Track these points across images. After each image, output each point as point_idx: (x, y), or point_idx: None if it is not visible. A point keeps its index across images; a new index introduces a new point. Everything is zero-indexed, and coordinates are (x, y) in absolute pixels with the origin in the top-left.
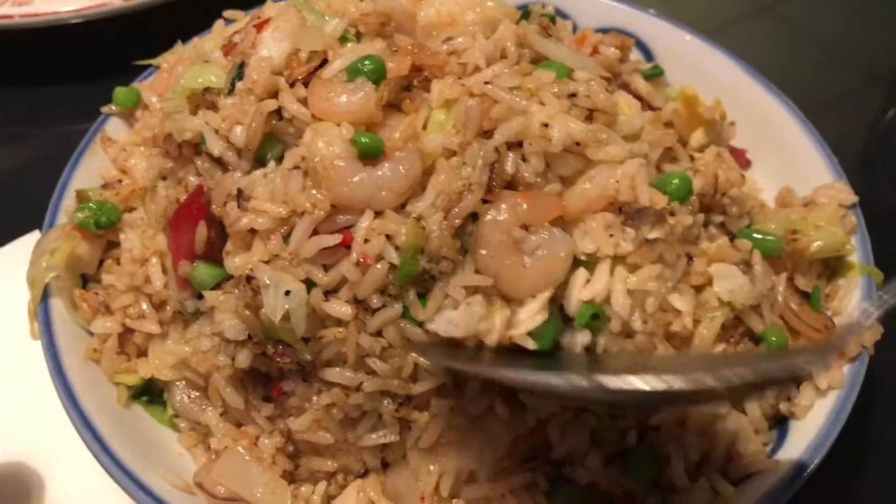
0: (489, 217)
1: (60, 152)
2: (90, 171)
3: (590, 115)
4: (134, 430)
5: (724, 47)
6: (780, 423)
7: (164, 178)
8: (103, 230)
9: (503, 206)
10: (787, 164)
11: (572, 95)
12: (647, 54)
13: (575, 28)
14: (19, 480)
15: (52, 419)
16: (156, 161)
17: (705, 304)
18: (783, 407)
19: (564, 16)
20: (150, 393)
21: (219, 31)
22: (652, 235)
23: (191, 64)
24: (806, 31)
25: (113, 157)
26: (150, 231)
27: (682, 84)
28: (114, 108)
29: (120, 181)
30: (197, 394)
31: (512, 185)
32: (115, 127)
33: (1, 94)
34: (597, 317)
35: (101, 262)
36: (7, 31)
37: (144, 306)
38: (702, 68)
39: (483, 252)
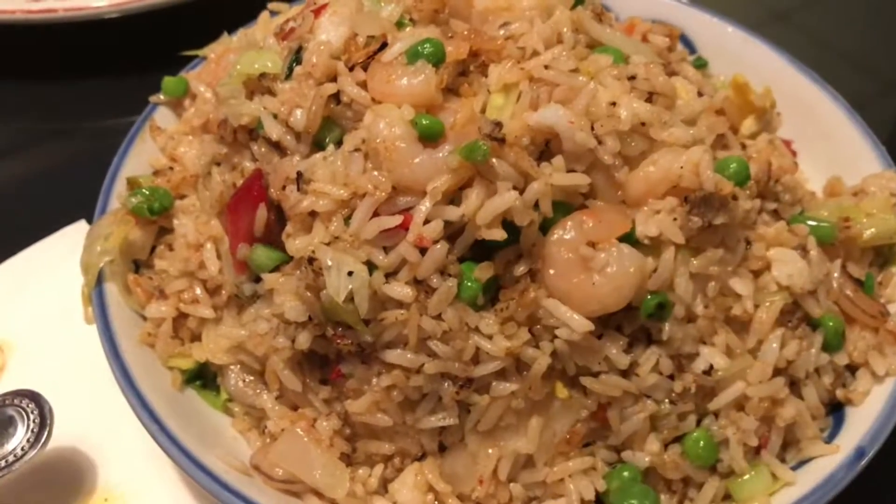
0: (556, 236)
1: (104, 146)
2: (140, 159)
3: (650, 98)
4: (189, 414)
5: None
6: (836, 410)
7: (217, 164)
8: (157, 215)
9: (569, 223)
10: (834, 154)
11: (632, 78)
12: (690, 46)
13: (617, 19)
14: (73, 465)
15: (106, 405)
16: (209, 147)
17: (764, 289)
18: (839, 393)
19: (607, 9)
20: (204, 378)
21: (265, 22)
22: (717, 221)
23: (246, 50)
24: (822, 39)
25: (161, 145)
26: (203, 217)
27: (726, 76)
28: (162, 97)
29: (171, 168)
30: (252, 378)
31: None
32: (162, 116)
33: (45, 89)
34: (663, 306)
35: (153, 249)
36: (53, 24)
37: (198, 291)
38: (744, 60)
39: (552, 272)
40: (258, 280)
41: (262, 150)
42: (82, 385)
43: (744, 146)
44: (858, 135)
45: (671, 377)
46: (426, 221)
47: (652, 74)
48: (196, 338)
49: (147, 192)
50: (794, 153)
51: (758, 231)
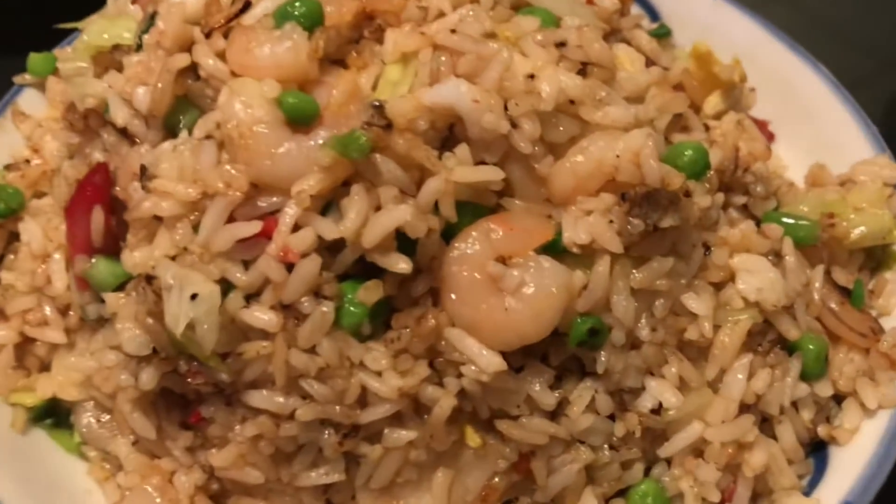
0: (456, 252)
1: None
2: None
3: (583, 70)
4: (31, 464)
5: None
6: (817, 450)
7: (71, 157)
8: (1, 220)
9: (473, 234)
10: (818, 136)
11: (561, 45)
12: (652, 13)
13: None
14: None
15: None
16: (61, 135)
17: (727, 305)
18: (822, 430)
19: None
20: (57, 414)
21: None
22: (664, 224)
23: (98, 17)
24: (817, 16)
25: (27, 133)
26: (55, 220)
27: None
28: (28, 77)
29: (28, 161)
30: (107, 417)
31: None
32: (30, 99)
33: None
34: (596, 332)
35: (2, 257)
36: None
37: (48, 310)
38: (715, 28)
39: (453, 296)
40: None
41: (112, 139)
42: None
43: (707, 128)
44: (846, 114)
45: (611, 417)
46: (294, 229)
47: (586, 41)
48: (45, 367)
49: None
50: (770, 136)
51: (720, 233)
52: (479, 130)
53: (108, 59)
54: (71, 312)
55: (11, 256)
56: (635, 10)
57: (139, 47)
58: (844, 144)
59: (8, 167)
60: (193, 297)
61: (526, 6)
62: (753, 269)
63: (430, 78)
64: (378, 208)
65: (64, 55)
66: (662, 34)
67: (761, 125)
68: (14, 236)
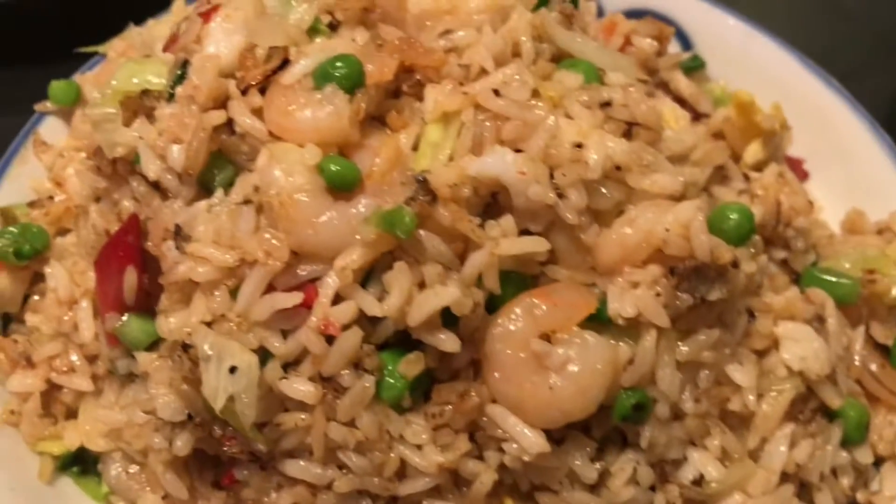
0: (499, 329)
1: None
2: (20, 181)
3: (628, 131)
4: None
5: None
6: None
7: (97, 200)
8: (27, 260)
9: (516, 310)
10: (854, 177)
11: (606, 105)
12: (685, 41)
13: (601, 12)
14: None
15: None
16: (87, 178)
17: (770, 373)
18: (860, 496)
19: None
20: (84, 462)
21: (178, 13)
22: (712, 297)
23: (127, 60)
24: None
25: (49, 164)
26: (81, 263)
27: (727, 78)
28: (50, 105)
29: (51, 198)
30: (136, 469)
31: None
32: (51, 128)
33: None
34: (641, 406)
35: (27, 297)
36: None
37: (74, 357)
38: (749, 59)
39: (497, 375)
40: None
41: (142, 189)
42: None
43: (747, 177)
44: (883, 154)
45: (652, 488)
46: (335, 301)
47: (631, 100)
48: (72, 414)
49: (15, 232)
50: (805, 174)
51: (764, 299)
52: (525, 201)
53: (137, 104)
54: (99, 362)
55: (36, 297)
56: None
57: (171, 97)
58: (881, 185)
59: (31, 204)
60: (232, 369)
61: (567, 57)
62: (797, 338)
63: (473, 142)
64: (422, 284)
65: (94, 101)
66: (696, 66)
67: (797, 163)
68: (39, 276)
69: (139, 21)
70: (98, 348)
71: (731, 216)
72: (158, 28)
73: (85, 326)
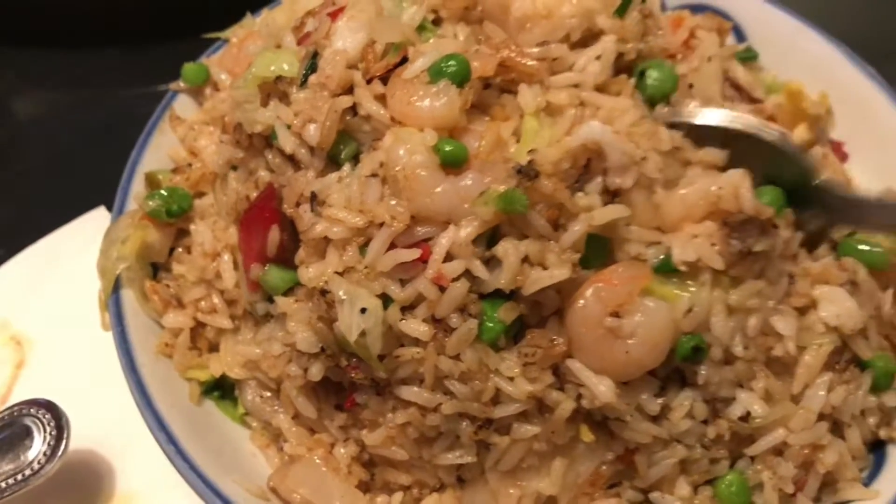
0: (576, 313)
1: (125, 118)
2: (160, 151)
3: None
4: (207, 430)
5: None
6: (876, 448)
7: (234, 168)
8: (175, 218)
9: (587, 294)
10: (890, 160)
11: None
12: (739, 35)
13: (664, 6)
14: (91, 470)
15: (127, 407)
16: (226, 150)
17: (810, 329)
18: (883, 432)
19: None
20: (223, 388)
21: (289, 3)
22: (757, 248)
23: (263, 49)
24: None
25: (181, 136)
26: (221, 222)
27: (777, 68)
28: (182, 84)
29: (190, 165)
30: (269, 394)
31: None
32: (183, 104)
33: (64, 59)
34: (699, 349)
35: (171, 250)
36: None
37: (216, 300)
38: (798, 51)
39: (582, 349)
40: (272, 300)
41: (277, 161)
42: (101, 388)
43: None
44: None
45: (705, 422)
46: (447, 258)
47: None
48: (214, 348)
49: (165, 194)
50: (844, 156)
51: (802, 266)
52: (619, 157)
53: (272, 88)
54: (237, 304)
55: (180, 250)
56: None
57: (303, 84)
58: None
59: (174, 170)
60: (363, 310)
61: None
62: (834, 299)
63: (572, 125)
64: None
65: (235, 83)
66: (750, 57)
67: (837, 146)
68: (182, 232)
69: (255, 10)
70: (236, 294)
71: (764, 196)
72: (274, 17)
73: (228, 276)
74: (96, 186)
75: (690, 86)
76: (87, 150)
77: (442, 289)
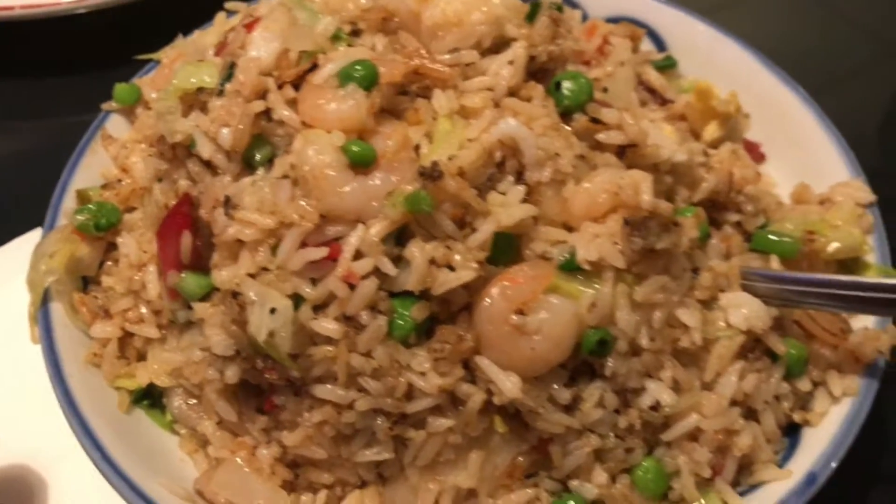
0: (482, 311)
1: (62, 144)
2: (91, 169)
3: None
4: (136, 437)
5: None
6: (791, 431)
7: (160, 180)
8: (103, 232)
9: (493, 292)
10: (804, 159)
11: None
12: (660, 44)
13: (585, 17)
14: (22, 483)
15: (57, 421)
16: (151, 162)
17: (718, 324)
18: (797, 416)
19: (574, 5)
20: (152, 396)
21: (220, 24)
22: (659, 245)
23: (185, 63)
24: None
25: (114, 154)
26: (147, 234)
27: (696, 76)
28: (114, 104)
29: (120, 181)
30: (194, 401)
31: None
32: (115, 124)
33: (1, 86)
34: (604, 342)
35: (101, 263)
36: (8, 22)
37: (143, 310)
38: (716, 59)
39: (489, 347)
40: (192, 307)
41: (196, 168)
42: (36, 401)
43: (706, 154)
44: (829, 141)
45: (617, 412)
46: (357, 257)
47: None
48: (142, 357)
49: (94, 208)
50: (761, 156)
51: (709, 263)
52: (535, 151)
53: (193, 99)
54: (162, 314)
55: (109, 263)
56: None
57: (221, 92)
58: (826, 167)
59: (104, 186)
60: (272, 310)
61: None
62: (740, 304)
63: (489, 124)
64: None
65: (159, 96)
66: (669, 65)
67: (754, 147)
68: (111, 246)
69: (186, 32)
70: (162, 304)
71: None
72: (204, 37)
73: (152, 286)
74: (33, 210)
75: (605, 89)
76: (23, 175)
77: (352, 287)
